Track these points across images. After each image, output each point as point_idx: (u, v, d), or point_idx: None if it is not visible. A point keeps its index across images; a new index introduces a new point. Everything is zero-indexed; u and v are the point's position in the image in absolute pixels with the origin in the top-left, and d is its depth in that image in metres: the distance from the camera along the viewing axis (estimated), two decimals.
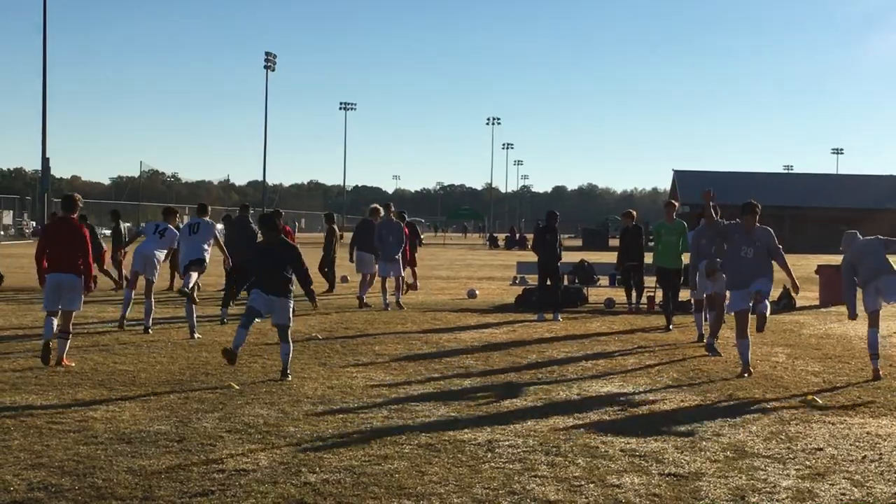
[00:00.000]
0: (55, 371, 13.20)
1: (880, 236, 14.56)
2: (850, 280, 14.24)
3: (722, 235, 14.60)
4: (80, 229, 13.95)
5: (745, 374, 13.66)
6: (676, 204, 21.04)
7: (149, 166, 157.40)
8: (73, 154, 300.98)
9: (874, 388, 12.94)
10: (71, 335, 14.10)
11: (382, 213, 24.39)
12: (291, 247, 13.47)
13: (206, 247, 18.27)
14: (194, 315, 17.25)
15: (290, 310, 13.29)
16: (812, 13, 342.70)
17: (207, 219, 19.11)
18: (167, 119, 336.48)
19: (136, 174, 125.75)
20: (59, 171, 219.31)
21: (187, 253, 18.08)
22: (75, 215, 14.22)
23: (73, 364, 13.79)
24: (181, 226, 18.98)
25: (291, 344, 13.36)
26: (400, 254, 23.40)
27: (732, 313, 14.08)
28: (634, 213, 25.10)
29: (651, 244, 21.18)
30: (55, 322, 13.87)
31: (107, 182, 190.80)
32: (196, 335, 17.02)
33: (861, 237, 14.54)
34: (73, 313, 14.12)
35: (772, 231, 14.15)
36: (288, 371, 13.12)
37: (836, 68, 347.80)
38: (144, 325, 17.70)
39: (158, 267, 18.37)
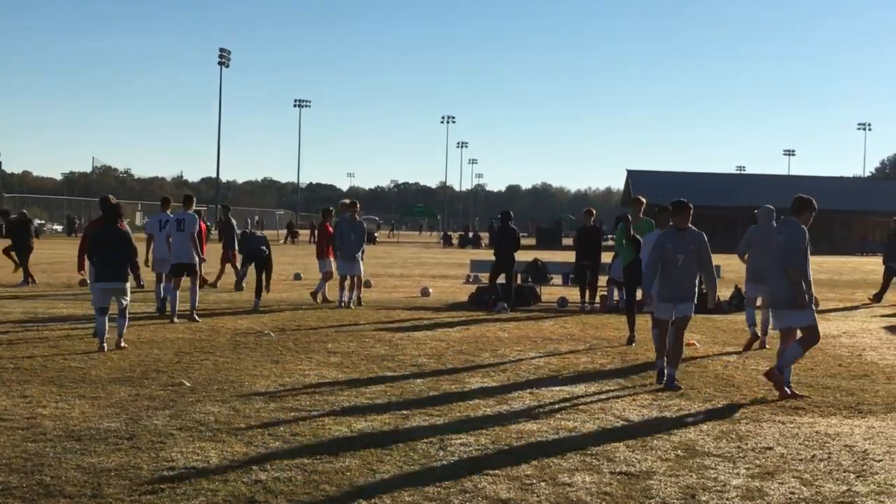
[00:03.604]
0: (4, 367, 13.07)
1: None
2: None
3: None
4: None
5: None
6: (644, 201, 19.08)
7: (101, 162, 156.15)
8: (24, 149, 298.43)
9: (823, 387, 13.05)
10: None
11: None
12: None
13: (195, 248, 19.80)
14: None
15: None
16: (761, 14, 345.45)
17: (191, 212, 20.43)
18: (120, 114, 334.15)
19: (89, 170, 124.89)
20: (10, 165, 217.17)
21: (177, 252, 19.71)
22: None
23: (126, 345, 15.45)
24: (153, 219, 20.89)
25: None
26: (360, 253, 23.37)
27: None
28: (594, 211, 25.20)
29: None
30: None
31: (58, 177, 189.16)
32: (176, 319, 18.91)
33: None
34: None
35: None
36: None
37: (787, 70, 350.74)
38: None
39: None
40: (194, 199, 21.39)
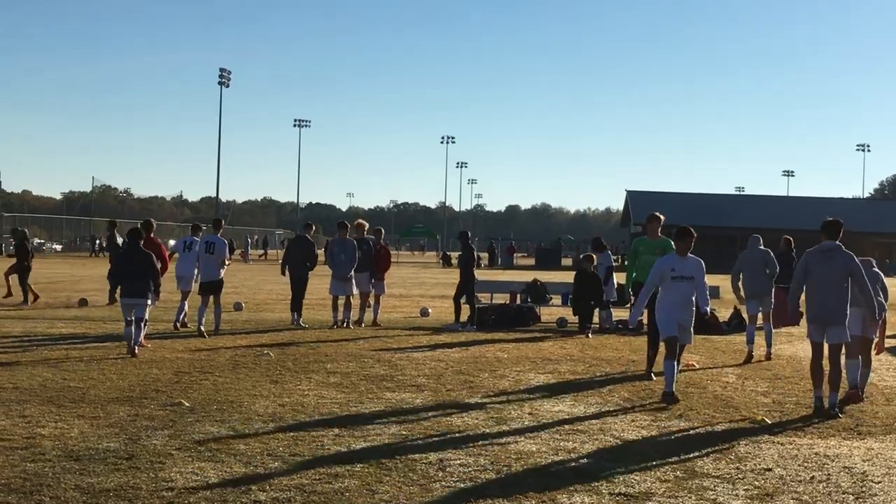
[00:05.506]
0: (3, 387, 13.06)
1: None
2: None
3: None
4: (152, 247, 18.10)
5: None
6: (662, 217, 17.39)
7: (101, 181, 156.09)
8: (24, 168, 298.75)
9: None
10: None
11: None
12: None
13: (222, 269, 21.06)
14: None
15: None
16: (761, 36, 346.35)
17: (220, 236, 21.54)
18: (120, 134, 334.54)
19: (88, 189, 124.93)
20: (10, 185, 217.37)
21: (206, 272, 20.92)
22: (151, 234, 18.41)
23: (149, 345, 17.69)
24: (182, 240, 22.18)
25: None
26: (353, 272, 23.27)
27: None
28: (594, 257, 24.74)
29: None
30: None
31: (58, 197, 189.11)
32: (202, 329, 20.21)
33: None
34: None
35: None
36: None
37: (787, 91, 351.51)
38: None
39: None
40: (222, 223, 22.64)
